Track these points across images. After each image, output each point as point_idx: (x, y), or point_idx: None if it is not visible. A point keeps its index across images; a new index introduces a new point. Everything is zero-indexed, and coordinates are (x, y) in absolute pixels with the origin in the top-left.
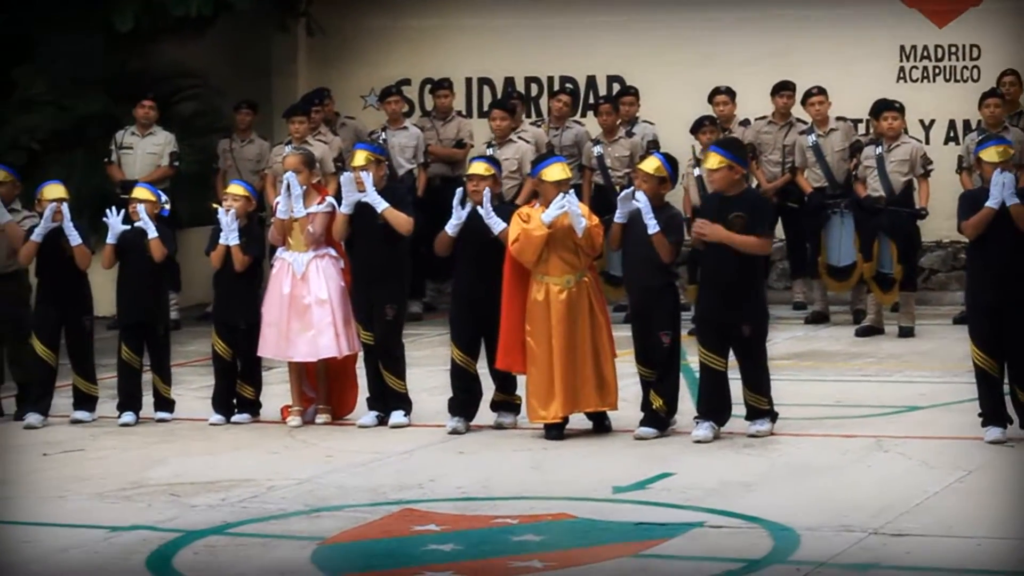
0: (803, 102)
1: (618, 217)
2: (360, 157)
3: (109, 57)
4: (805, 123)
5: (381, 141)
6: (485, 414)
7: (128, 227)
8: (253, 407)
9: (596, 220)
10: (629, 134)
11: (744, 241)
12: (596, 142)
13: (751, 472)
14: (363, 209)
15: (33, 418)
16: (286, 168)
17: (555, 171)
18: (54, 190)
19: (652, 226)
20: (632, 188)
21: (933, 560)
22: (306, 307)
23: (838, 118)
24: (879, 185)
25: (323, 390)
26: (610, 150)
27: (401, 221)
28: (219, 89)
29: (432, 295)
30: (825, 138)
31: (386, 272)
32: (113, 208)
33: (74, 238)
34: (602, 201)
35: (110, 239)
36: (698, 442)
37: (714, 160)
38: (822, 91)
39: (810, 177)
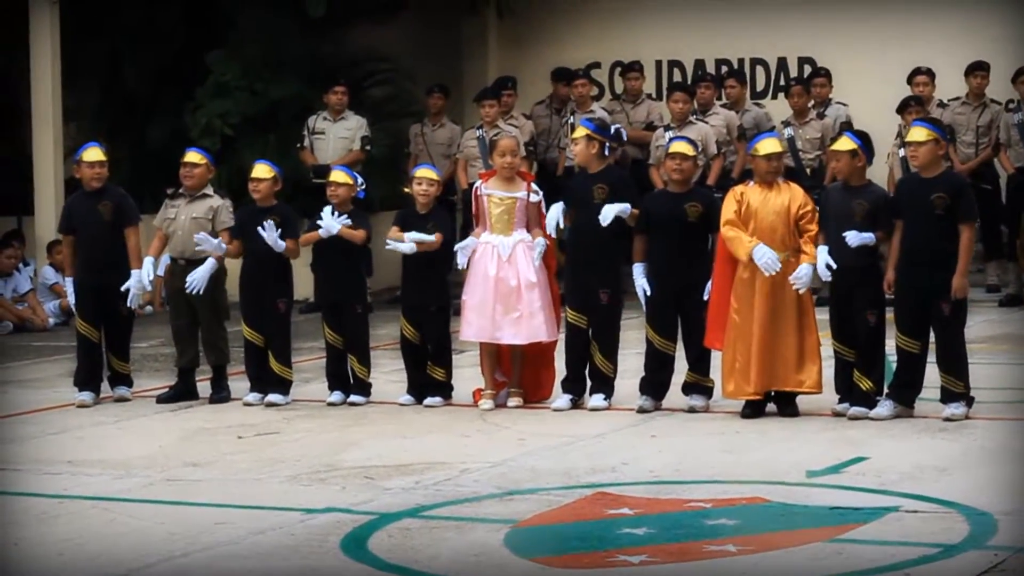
0: (1013, 80)
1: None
2: (580, 131)
3: (301, 42)
4: (999, 103)
5: (568, 124)
6: (678, 397)
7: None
8: (444, 390)
9: (810, 206)
10: (821, 116)
11: (967, 260)
12: (787, 124)
13: (946, 456)
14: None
15: (251, 396)
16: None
17: (766, 144)
18: (262, 170)
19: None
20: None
21: None
22: (512, 289)
23: None
24: None
25: (517, 373)
26: (801, 132)
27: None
28: (410, 73)
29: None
30: None
31: (599, 256)
32: (328, 209)
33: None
34: None
35: (323, 233)
36: (879, 419)
37: (921, 132)
38: None
39: (1012, 157)
